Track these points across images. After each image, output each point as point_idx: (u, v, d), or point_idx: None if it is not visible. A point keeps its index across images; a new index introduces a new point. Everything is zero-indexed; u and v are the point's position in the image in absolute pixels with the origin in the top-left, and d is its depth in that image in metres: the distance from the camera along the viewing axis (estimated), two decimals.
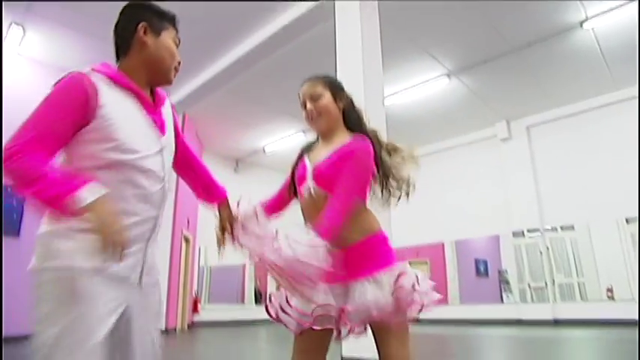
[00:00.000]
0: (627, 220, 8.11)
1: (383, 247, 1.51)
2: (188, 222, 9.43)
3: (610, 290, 8.14)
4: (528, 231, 9.51)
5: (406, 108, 8.82)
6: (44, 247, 1.11)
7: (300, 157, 1.63)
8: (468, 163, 10.31)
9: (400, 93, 8.15)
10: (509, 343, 5.38)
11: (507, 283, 10.54)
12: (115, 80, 1.21)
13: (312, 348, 1.49)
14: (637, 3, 5.67)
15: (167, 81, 1.35)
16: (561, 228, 9.17)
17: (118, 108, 1.17)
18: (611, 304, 7.78)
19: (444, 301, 10.38)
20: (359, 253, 1.45)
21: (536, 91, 8.45)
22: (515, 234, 9.69)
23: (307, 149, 1.65)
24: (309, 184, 1.50)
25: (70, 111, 1.09)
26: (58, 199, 0.99)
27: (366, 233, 1.48)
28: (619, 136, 8.03)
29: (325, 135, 1.61)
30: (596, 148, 8.34)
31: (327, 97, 1.58)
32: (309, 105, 1.58)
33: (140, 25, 1.28)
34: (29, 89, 6.40)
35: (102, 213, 1.01)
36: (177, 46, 1.38)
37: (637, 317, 6.98)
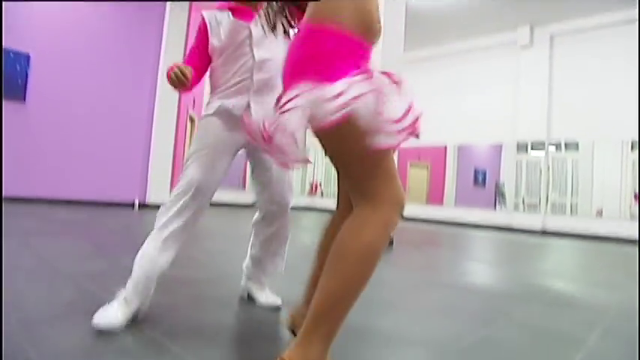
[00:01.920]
0: (632, 145, 8.07)
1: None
2: (194, 101, 9.37)
3: (600, 212, 8.38)
4: (532, 147, 9.51)
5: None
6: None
7: None
8: (482, 69, 9.94)
9: None
10: (495, 242, 5.68)
11: (503, 195, 10.81)
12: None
13: None
14: None
15: None
16: (566, 146, 9.16)
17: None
18: (599, 220, 8.05)
19: (439, 201, 10.74)
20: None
21: None
22: (519, 146, 9.68)
23: None
24: None
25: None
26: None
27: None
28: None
29: None
30: (615, 67, 7.98)
31: None
32: None
33: None
34: None
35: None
36: None
37: (623, 234, 7.30)
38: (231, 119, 1.80)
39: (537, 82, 9.02)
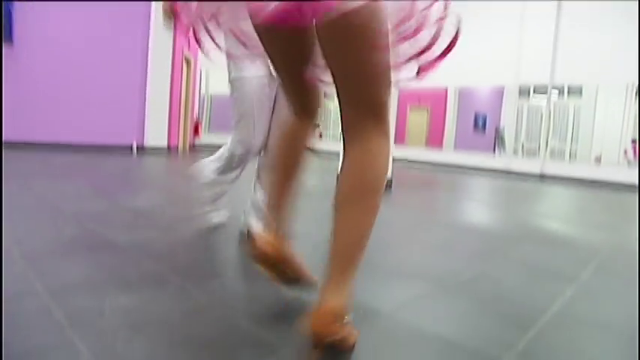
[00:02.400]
0: (638, 93, 7.96)
1: None
2: (189, 43, 9.09)
3: (598, 159, 8.39)
4: (535, 91, 9.36)
5: None
6: None
7: None
8: (486, 9, 9.54)
9: None
10: (493, 186, 5.71)
11: (502, 140, 10.77)
12: None
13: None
14: None
15: None
16: (569, 91, 9.02)
17: None
18: (597, 166, 8.08)
19: (438, 145, 10.69)
20: None
21: None
22: (521, 91, 9.53)
23: None
24: None
25: None
26: None
27: None
28: None
29: None
30: (625, 10, 7.69)
31: None
32: None
33: None
34: None
35: None
36: None
37: (621, 180, 7.36)
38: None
39: (543, 23, 8.70)
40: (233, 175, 2.14)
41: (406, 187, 5.07)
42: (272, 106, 2.04)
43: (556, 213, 4.08)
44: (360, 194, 1.04)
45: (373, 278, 1.63)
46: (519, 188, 6.24)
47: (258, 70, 1.94)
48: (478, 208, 4.02)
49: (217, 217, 2.31)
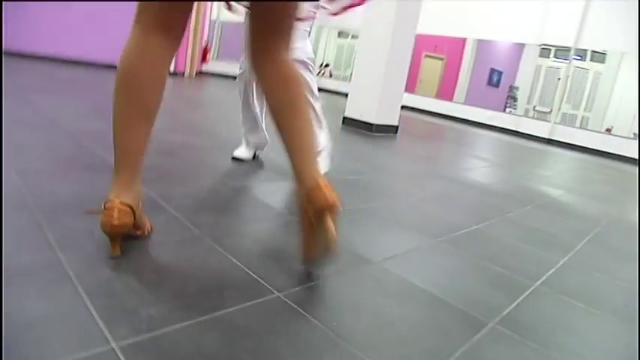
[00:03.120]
0: None
1: None
2: None
3: (609, 130, 8.22)
4: (556, 55, 9.02)
5: None
6: None
7: None
8: None
9: None
10: (499, 143, 5.65)
11: (515, 99, 10.52)
12: None
13: None
14: None
15: None
16: (592, 56, 8.69)
17: None
18: (607, 137, 7.92)
19: (449, 97, 10.42)
20: None
21: None
22: (543, 50, 9.18)
23: None
24: None
25: None
26: None
27: None
28: None
29: None
30: None
31: None
32: None
33: None
34: None
35: None
36: None
37: (629, 153, 7.27)
38: None
39: None
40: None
41: (411, 136, 5.00)
42: None
43: (559, 180, 4.04)
44: (291, 106, 1.20)
45: (367, 226, 1.62)
46: (525, 150, 6.17)
47: None
48: (481, 164, 3.98)
49: (240, 152, 2.40)
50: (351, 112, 4.87)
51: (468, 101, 10.19)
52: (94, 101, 3.58)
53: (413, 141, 4.75)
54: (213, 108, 4.25)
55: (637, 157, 7.22)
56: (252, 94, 2.32)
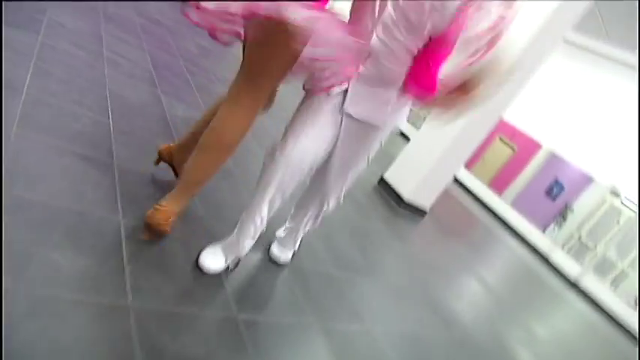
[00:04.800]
0: None
1: None
2: None
3: (636, 301, 7.77)
4: (623, 201, 8.59)
5: None
6: None
7: None
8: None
9: None
10: (519, 265, 5.49)
11: (564, 219, 10.10)
12: None
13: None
14: None
15: None
16: None
17: None
18: (633, 310, 7.45)
19: (500, 189, 10.05)
20: None
21: None
22: (613, 192, 8.79)
23: None
24: None
25: None
26: None
27: None
28: None
29: None
30: None
31: None
32: None
33: None
34: None
35: None
36: None
37: None
38: None
39: None
40: None
41: (436, 226, 4.87)
42: None
43: (547, 348, 3.83)
44: (211, 146, 1.56)
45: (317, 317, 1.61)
46: (541, 287, 5.94)
47: None
48: (479, 292, 3.85)
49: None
50: (391, 176, 4.73)
51: (517, 203, 9.88)
52: None
53: (433, 234, 4.66)
54: None
55: None
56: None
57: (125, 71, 3.07)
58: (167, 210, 1.58)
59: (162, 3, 5.89)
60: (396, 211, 4.38)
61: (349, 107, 1.54)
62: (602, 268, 8.35)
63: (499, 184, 10.46)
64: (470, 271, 4.26)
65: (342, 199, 1.89)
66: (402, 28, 1.36)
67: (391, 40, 1.39)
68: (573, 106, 9.10)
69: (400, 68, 1.45)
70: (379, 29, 1.40)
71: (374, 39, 1.41)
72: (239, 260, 1.80)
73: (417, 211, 4.64)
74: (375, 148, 1.70)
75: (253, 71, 1.51)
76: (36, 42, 2.57)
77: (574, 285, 7.63)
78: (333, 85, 1.49)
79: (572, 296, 6.81)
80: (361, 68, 1.46)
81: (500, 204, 9.62)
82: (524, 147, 10.40)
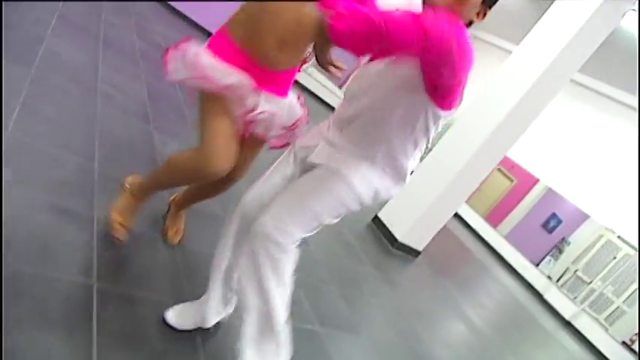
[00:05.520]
0: None
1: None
2: None
3: (632, 341, 7.66)
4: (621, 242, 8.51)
5: None
6: None
7: None
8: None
9: None
10: (511, 301, 5.41)
11: (560, 252, 10.02)
12: None
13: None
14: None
15: None
16: None
17: None
18: (623, 349, 7.37)
19: (497, 221, 9.95)
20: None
21: None
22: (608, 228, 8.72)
23: None
24: None
25: None
26: None
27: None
28: None
29: None
30: None
31: None
32: None
33: None
34: None
35: None
36: None
37: None
38: None
39: None
40: None
41: (428, 267, 4.76)
42: None
43: None
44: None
45: None
46: (533, 328, 5.84)
47: None
48: (461, 339, 3.74)
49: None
50: (386, 214, 4.60)
51: (512, 236, 9.81)
52: None
53: (425, 276, 4.57)
54: None
55: None
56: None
57: (118, 105, 3.03)
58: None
59: (166, 28, 5.90)
60: (389, 251, 4.30)
61: (310, 157, 1.47)
62: (598, 303, 8.23)
63: (496, 216, 10.41)
64: (460, 316, 4.17)
65: (286, 242, 1.38)
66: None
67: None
68: (571, 142, 9.08)
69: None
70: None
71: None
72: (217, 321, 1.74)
73: (411, 251, 4.54)
74: (341, 202, 1.41)
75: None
76: (28, 75, 2.54)
77: (569, 324, 7.53)
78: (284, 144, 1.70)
79: (565, 337, 6.71)
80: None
81: (496, 237, 9.54)
82: (524, 179, 10.37)
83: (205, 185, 1.91)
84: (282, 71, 1.61)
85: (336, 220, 1.49)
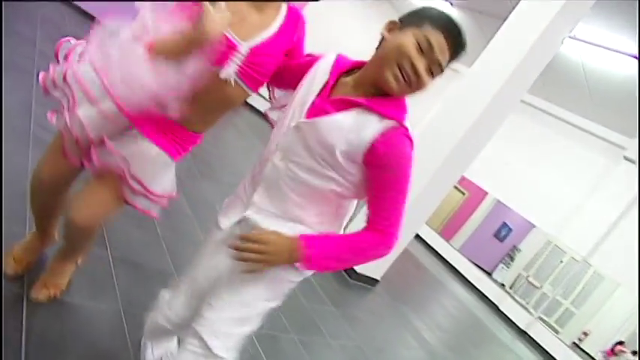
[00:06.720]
0: None
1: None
2: None
3: (585, 334, 7.99)
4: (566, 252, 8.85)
5: None
6: None
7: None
8: (587, 163, 8.62)
9: None
10: (467, 316, 5.49)
11: (512, 260, 10.35)
12: None
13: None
14: None
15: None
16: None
17: None
18: (576, 350, 7.66)
19: (448, 236, 10.05)
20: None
21: None
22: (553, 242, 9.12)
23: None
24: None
25: None
26: None
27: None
28: None
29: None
30: None
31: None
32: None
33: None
34: None
35: None
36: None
37: None
38: None
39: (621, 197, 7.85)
40: None
41: (385, 294, 4.76)
42: None
43: None
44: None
45: None
46: (489, 339, 5.97)
47: None
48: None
49: None
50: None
51: (467, 247, 10.03)
52: None
53: (382, 305, 4.55)
54: None
55: None
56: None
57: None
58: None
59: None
60: (347, 283, 4.27)
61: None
62: (549, 307, 8.50)
63: (450, 229, 10.63)
64: (420, 342, 4.20)
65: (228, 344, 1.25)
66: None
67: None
68: (514, 157, 9.35)
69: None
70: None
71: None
72: None
73: (369, 280, 4.52)
74: (274, 292, 1.31)
75: None
76: None
77: (524, 333, 7.74)
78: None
79: (521, 346, 6.91)
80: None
81: (451, 251, 9.72)
82: (475, 191, 10.60)
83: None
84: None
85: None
